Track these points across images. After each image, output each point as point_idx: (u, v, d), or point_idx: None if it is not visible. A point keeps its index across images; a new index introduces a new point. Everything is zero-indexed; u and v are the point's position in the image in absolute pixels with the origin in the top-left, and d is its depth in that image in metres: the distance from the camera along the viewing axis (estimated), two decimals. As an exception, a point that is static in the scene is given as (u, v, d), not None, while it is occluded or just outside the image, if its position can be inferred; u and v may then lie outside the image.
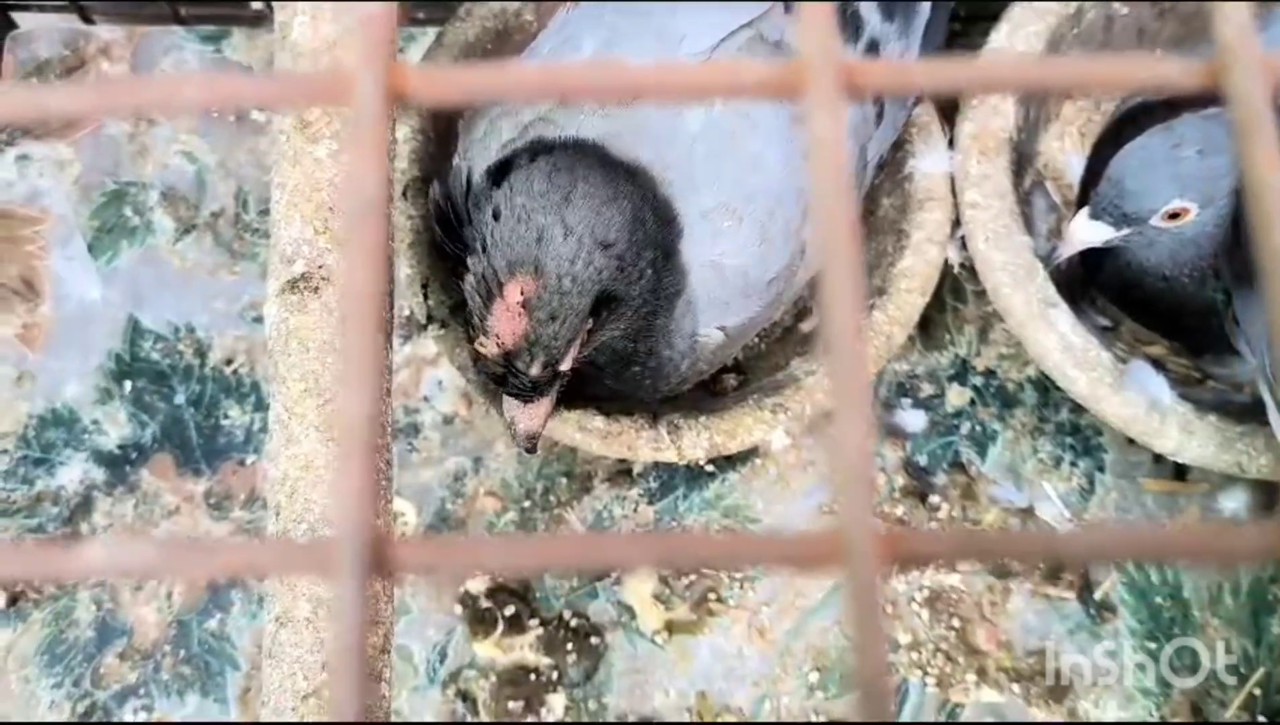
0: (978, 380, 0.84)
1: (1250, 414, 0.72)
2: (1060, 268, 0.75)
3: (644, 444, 0.72)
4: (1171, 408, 0.72)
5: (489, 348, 0.56)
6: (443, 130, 0.76)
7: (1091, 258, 0.74)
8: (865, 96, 0.22)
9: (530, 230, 0.54)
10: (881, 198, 0.78)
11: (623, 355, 0.60)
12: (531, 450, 0.62)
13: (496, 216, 0.56)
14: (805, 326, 0.80)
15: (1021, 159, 0.82)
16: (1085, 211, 0.70)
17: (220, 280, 0.85)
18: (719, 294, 0.60)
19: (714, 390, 0.77)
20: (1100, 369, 0.72)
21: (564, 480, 0.81)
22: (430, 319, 0.72)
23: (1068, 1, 0.78)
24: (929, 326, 0.84)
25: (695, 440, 0.72)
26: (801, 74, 0.21)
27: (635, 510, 0.81)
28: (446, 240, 0.61)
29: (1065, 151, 0.84)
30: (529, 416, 0.60)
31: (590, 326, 0.56)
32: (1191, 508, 0.82)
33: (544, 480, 0.81)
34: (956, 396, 0.84)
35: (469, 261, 0.58)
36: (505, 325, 0.55)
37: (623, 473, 0.82)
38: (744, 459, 0.82)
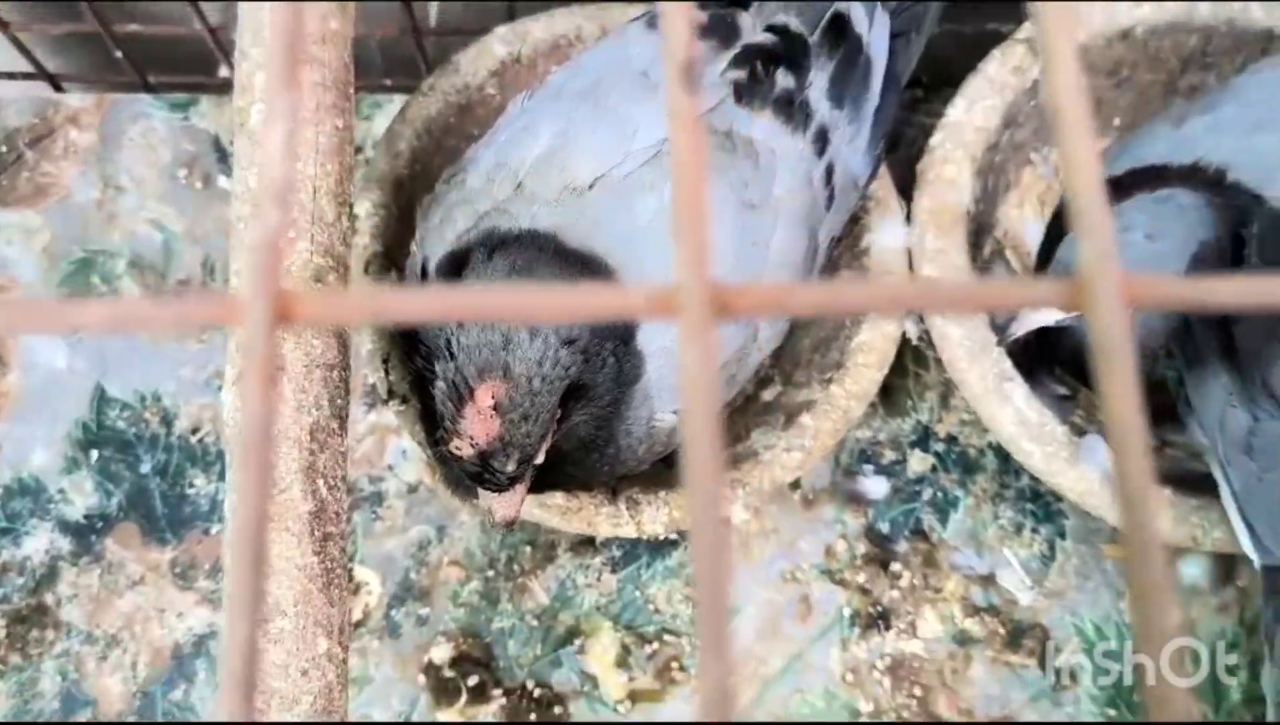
0: (939, 446, 0.84)
1: (1207, 484, 0.73)
2: (1015, 341, 0.76)
3: (603, 520, 0.72)
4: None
5: (464, 450, 0.57)
6: (405, 205, 0.77)
7: (1047, 331, 0.75)
8: (738, 320, 0.23)
9: (496, 335, 0.55)
10: (840, 270, 0.79)
11: (584, 442, 0.61)
12: (510, 532, 0.62)
13: (461, 322, 0.57)
14: (767, 395, 0.80)
15: (981, 228, 0.83)
16: (1037, 291, 0.70)
17: (187, 348, 0.86)
18: (674, 379, 0.61)
19: (673, 462, 0.77)
20: (1055, 443, 0.72)
21: (528, 549, 0.82)
22: (391, 394, 0.73)
23: (1024, 74, 0.79)
24: (891, 393, 0.85)
25: (654, 515, 0.72)
26: (673, 298, 0.21)
27: (599, 579, 0.82)
28: (399, 332, 0.61)
29: (1025, 220, 0.85)
30: (506, 504, 0.60)
31: (560, 416, 0.57)
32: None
33: (508, 549, 0.82)
34: (919, 463, 0.84)
35: (436, 367, 0.58)
36: (479, 428, 0.56)
37: (586, 542, 0.82)
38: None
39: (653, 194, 0.60)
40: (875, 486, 0.83)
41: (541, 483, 0.62)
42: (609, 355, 0.57)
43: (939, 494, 0.84)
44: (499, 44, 0.80)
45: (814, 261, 0.66)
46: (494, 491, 0.58)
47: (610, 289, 0.23)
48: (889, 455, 0.84)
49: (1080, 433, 0.74)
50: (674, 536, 0.82)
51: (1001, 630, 0.81)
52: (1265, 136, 0.71)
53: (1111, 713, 0.79)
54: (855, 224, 0.77)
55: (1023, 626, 0.81)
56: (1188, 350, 0.69)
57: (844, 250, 0.78)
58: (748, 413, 0.81)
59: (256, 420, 0.21)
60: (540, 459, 0.57)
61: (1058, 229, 0.79)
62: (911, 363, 0.85)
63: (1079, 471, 0.72)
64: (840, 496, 0.83)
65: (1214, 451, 0.69)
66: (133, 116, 0.91)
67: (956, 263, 0.75)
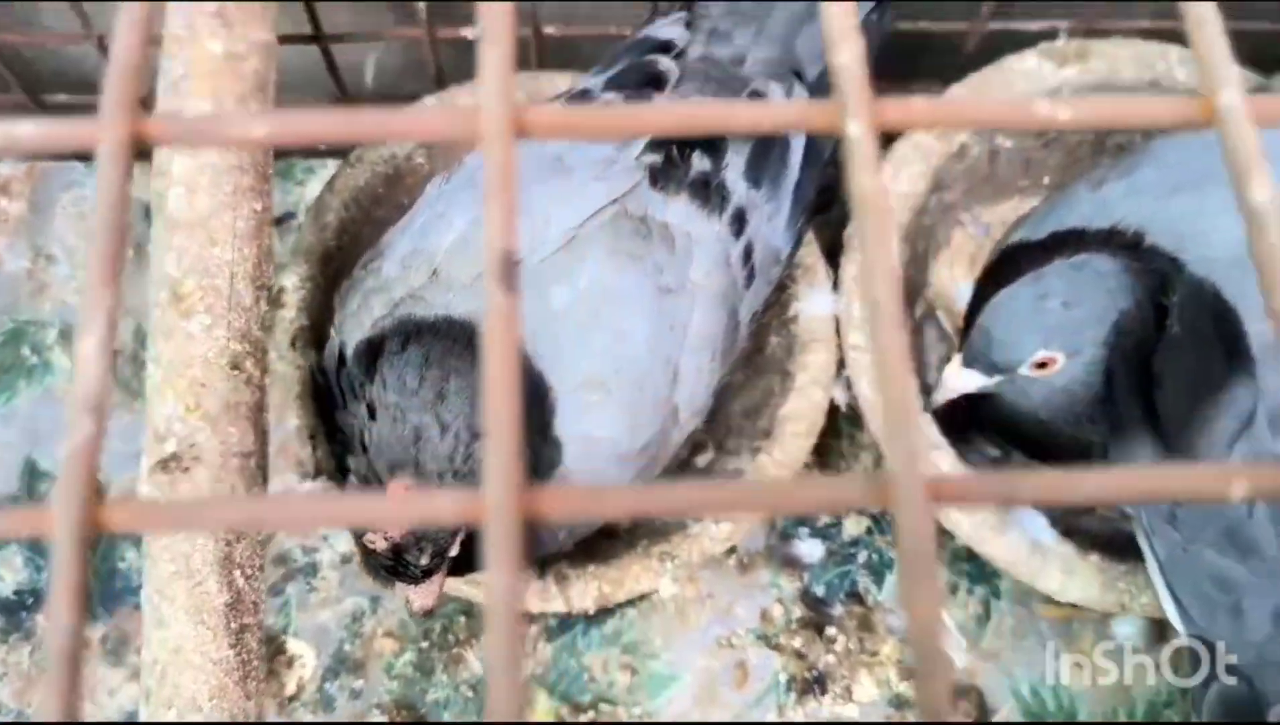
0: (874, 509, 0.84)
1: (1135, 545, 0.73)
2: (941, 407, 0.76)
3: (533, 596, 0.72)
4: (1053, 549, 0.73)
5: (378, 543, 0.57)
6: (333, 277, 0.77)
7: (973, 397, 0.75)
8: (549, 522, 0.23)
9: (407, 430, 0.54)
10: (769, 336, 0.79)
11: None
12: (428, 619, 0.62)
13: (372, 415, 0.57)
14: (700, 461, 0.80)
15: (912, 290, 0.83)
16: (958, 359, 0.71)
17: (118, 419, 0.85)
18: (592, 465, 0.61)
19: (605, 530, 0.77)
20: (983, 512, 0.73)
21: (462, 619, 0.81)
22: (319, 471, 0.72)
23: (949, 139, 0.80)
24: (825, 454, 0.85)
25: (583, 590, 0.72)
26: (480, 503, 0.21)
27: (534, 648, 0.81)
28: (319, 416, 0.61)
29: (955, 280, 0.85)
30: (423, 594, 0.60)
31: None
32: (1086, 633, 0.82)
33: (442, 619, 0.81)
34: (854, 525, 0.84)
35: (349, 461, 0.58)
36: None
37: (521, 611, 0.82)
38: (644, 595, 0.82)
39: (568, 280, 0.60)
40: (811, 550, 0.83)
41: (463, 567, 0.62)
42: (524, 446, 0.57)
43: (874, 556, 0.84)
44: (426, 114, 0.79)
45: (735, 338, 0.66)
46: (408, 583, 0.57)
47: (420, 498, 0.23)
48: (824, 518, 0.84)
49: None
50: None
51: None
52: (1182, 199, 0.71)
53: (1048, 774, 0.80)
54: (783, 292, 0.77)
55: (959, 689, 0.81)
56: (1111, 417, 0.69)
57: (772, 318, 0.78)
58: (682, 479, 0.81)
59: (64, 634, 0.21)
60: (455, 551, 0.56)
61: (985, 289, 0.79)
62: (845, 423, 0.85)
63: (1006, 540, 0.72)
64: (776, 560, 0.83)
65: (1139, 521, 0.69)
66: (64, 185, 0.91)
67: (883, 330, 0.75)
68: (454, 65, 0.83)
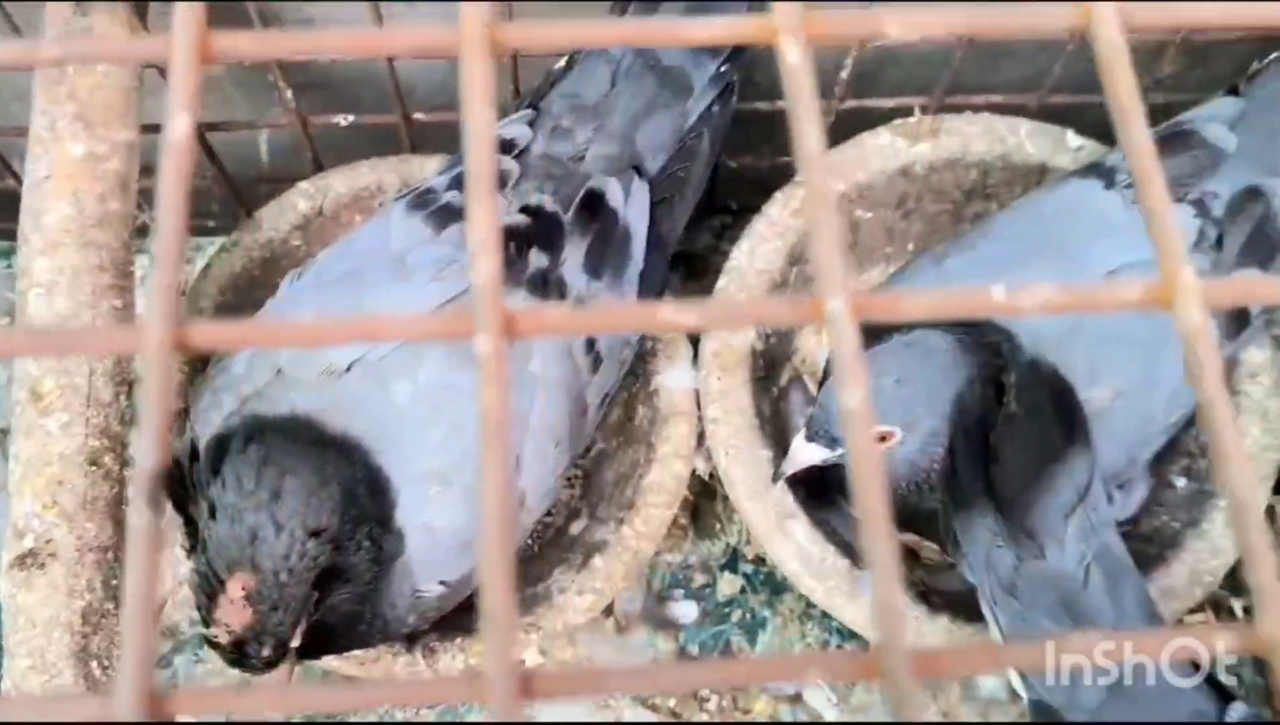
0: (748, 568, 0.87)
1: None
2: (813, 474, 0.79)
3: (401, 669, 0.74)
4: (903, 612, 0.75)
5: (220, 637, 0.59)
6: (205, 361, 0.79)
7: (831, 465, 0.78)
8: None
9: (243, 530, 0.57)
10: (638, 406, 0.81)
11: (349, 617, 0.63)
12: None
13: (213, 514, 0.59)
14: (574, 528, 0.83)
15: (776, 359, 0.86)
16: (802, 433, 0.74)
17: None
18: (435, 554, 0.63)
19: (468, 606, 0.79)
20: (835, 578, 0.75)
21: (346, 687, 0.84)
22: (193, 549, 0.75)
23: (774, 268, 0.82)
24: (700, 516, 0.88)
25: (450, 662, 0.74)
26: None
27: (418, 713, 0.84)
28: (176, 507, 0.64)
29: (820, 347, 0.88)
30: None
31: (317, 598, 0.59)
32: (953, 689, 0.85)
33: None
34: (728, 585, 0.87)
35: (192, 558, 0.61)
36: (232, 617, 0.58)
37: (404, 676, 0.84)
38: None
39: (407, 376, 0.62)
40: (685, 610, 0.86)
41: (314, 651, 0.64)
42: (364, 538, 0.60)
43: (748, 615, 0.86)
44: (301, 198, 0.82)
45: (583, 423, 0.69)
46: (251, 674, 0.60)
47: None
48: (699, 579, 0.87)
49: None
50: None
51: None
52: (1018, 273, 0.75)
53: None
54: (646, 363, 0.80)
55: (829, 745, 0.84)
56: (954, 491, 0.72)
57: (639, 390, 0.81)
58: (558, 545, 0.83)
59: None
60: (296, 642, 0.59)
61: (831, 363, 0.82)
62: (720, 486, 0.88)
63: (858, 605, 0.75)
64: (652, 622, 0.86)
65: (983, 591, 0.72)
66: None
67: (739, 403, 0.78)
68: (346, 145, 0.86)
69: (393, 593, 0.64)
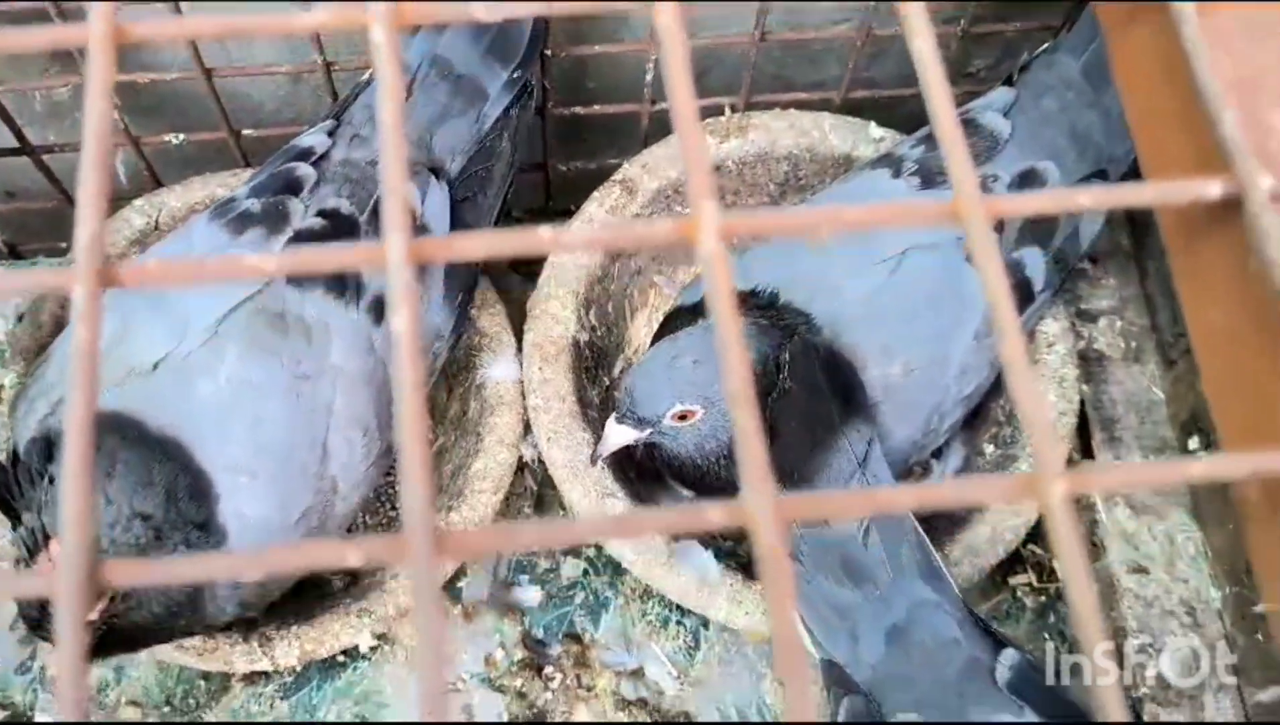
0: (590, 552, 0.91)
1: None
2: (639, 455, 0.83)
3: (239, 657, 0.78)
4: (719, 581, 0.80)
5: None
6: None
7: (650, 445, 0.82)
8: None
9: None
10: (470, 401, 0.85)
11: (171, 608, 0.66)
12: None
13: (51, 481, 0.63)
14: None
15: (605, 352, 0.90)
16: (613, 417, 0.78)
17: None
18: (248, 539, 0.67)
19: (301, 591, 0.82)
20: (654, 552, 0.79)
21: (202, 683, 0.87)
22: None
23: (621, 212, 0.87)
24: (543, 505, 0.92)
25: (287, 650, 0.78)
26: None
27: (271, 706, 0.87)
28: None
29: (652, 336, 0.92)
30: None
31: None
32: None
33: (183, 685, 0.86)
34: (571, 569, 0.91)
35: (24, 516, 0.64)
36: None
37: (259, 672, 0.87)
38: (375, 648, 0.88)
39: (209, 374, 0.66)
40: (530, 595, 0.90)
41: (134, 644, 0.68)
42: (182, 540, 0.63)
43: (591, 596, 0.90)
44: (136, 215, 0.86)
45: (391, 413, 0.73)
46: (48, 641, 0.63)
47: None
48: (543, 564, 0.91)
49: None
50: (342, 658, 0.88)
51: (649, 720, 0.87)
52: (814, 260, 0.79)
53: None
54: (473, 358, 0.84)
55: (670, 716, 0.88)
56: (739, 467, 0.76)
57: (467, 387, 0.85)
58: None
59: None
60: (94, 616, 0.62)
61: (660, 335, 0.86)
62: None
63: (675, 575, 0.79)
64: (498, 607, 0.89)
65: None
66: None
67: (560, 390, 0.82)
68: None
69: (215, 585, 0.67)
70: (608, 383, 0.90)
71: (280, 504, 0.67)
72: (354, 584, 0.83)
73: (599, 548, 0.91)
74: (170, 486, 0.63)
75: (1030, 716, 0.68)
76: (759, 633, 0.90)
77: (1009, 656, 0.71)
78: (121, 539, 0.61)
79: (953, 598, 0.73)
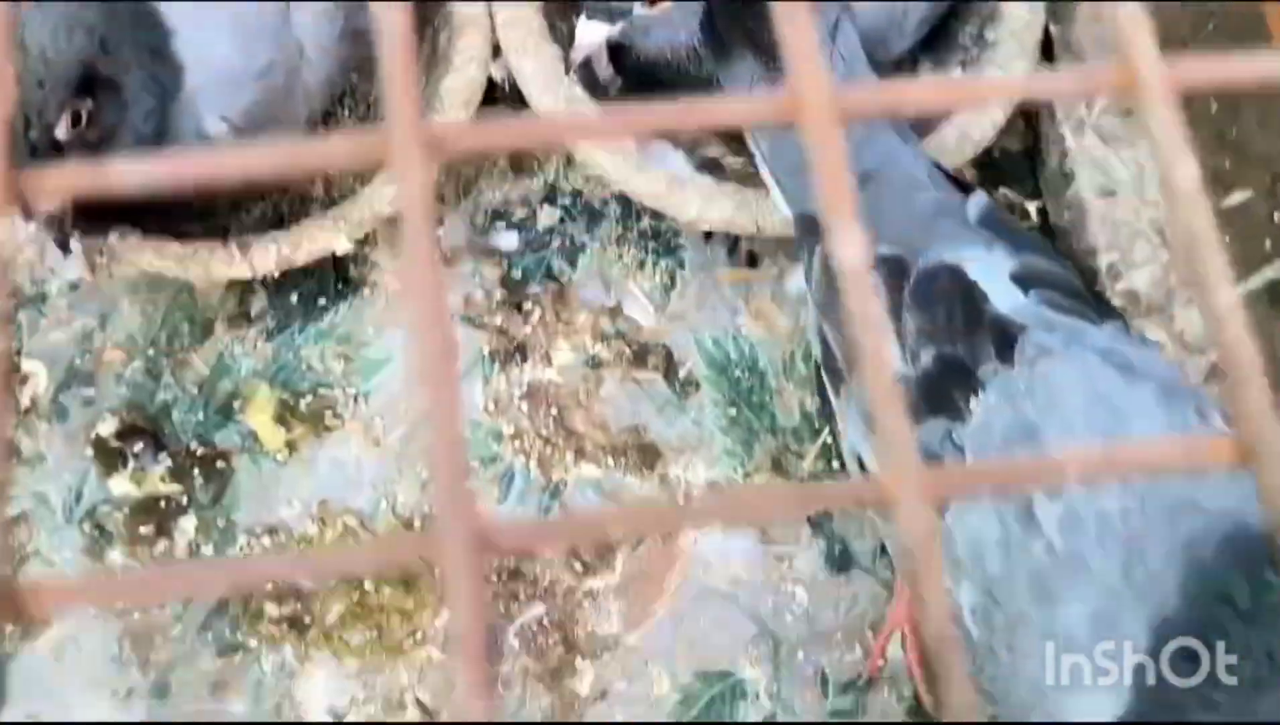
0: (566, 200, 0.92)
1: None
2: (603, 74, 0.84)
3: (218, 262, 0.79)
4: (691, 180, 0.81)
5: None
6: None
7: (620, 64, 0.83)
8: None
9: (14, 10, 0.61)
10: (441, 32, 0.86)
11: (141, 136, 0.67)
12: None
13: None
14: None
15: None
16: (582, 16, 0.78)
17: None
18: (209, 83, 0.67)
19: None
20: (623, 154, 0.80)
21: (186, 326, 0.88)
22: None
23: None
24: (519, 156, 0.93)
25: (264, 254, 0.79)
26: None
27: (255, 347, 0.88)
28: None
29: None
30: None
31: (90, 107, 0.63)
32: (764, 291, 0.90)
33: (167, 328, 0.88)
34: (547, 217, 0.92)
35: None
36: None
37: (241, 315, 0.88)
38: (354, 290, 0.89)
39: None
40: (508, 240, 0.91)
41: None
42: (136, 55, 0.64)
43: (568, 242, 0.91)
44: None
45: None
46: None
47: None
48: (520, 212, 0.92)
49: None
50: (323, 302, 0.89)
51: (629, 351, 0.88)
52: None
53: (732, 412, 0.87)
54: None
55: (648, 347, 0.89)
56: (713, 44, 0.77)
57: (436, 23, 0.85)
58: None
59: None
60: (62, 134, 0.62)
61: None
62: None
63: (646, 175, 0.80)
64: (476, 252, 0.90)
65: (750, 136, 0.77)
66: None
67: (528, 12, 0.82)
68: None
69: (181, 132, 0.68)
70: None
71: (242, 47, 0.68)
72: (331, 203, 0.83)
73: (575, 194, 0.92)
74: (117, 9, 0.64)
75: (1000, 250, 0.69)
76: (737, 273, 0.91)
77: (977, 197, 0.72)
78: (65, 46, 0.61)
79: (921, 150, 0.74)
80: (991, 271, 0.67)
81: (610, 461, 0.86)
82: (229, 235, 0.78)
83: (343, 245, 0.80)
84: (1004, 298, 0.67)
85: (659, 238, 0.91)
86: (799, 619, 0.84)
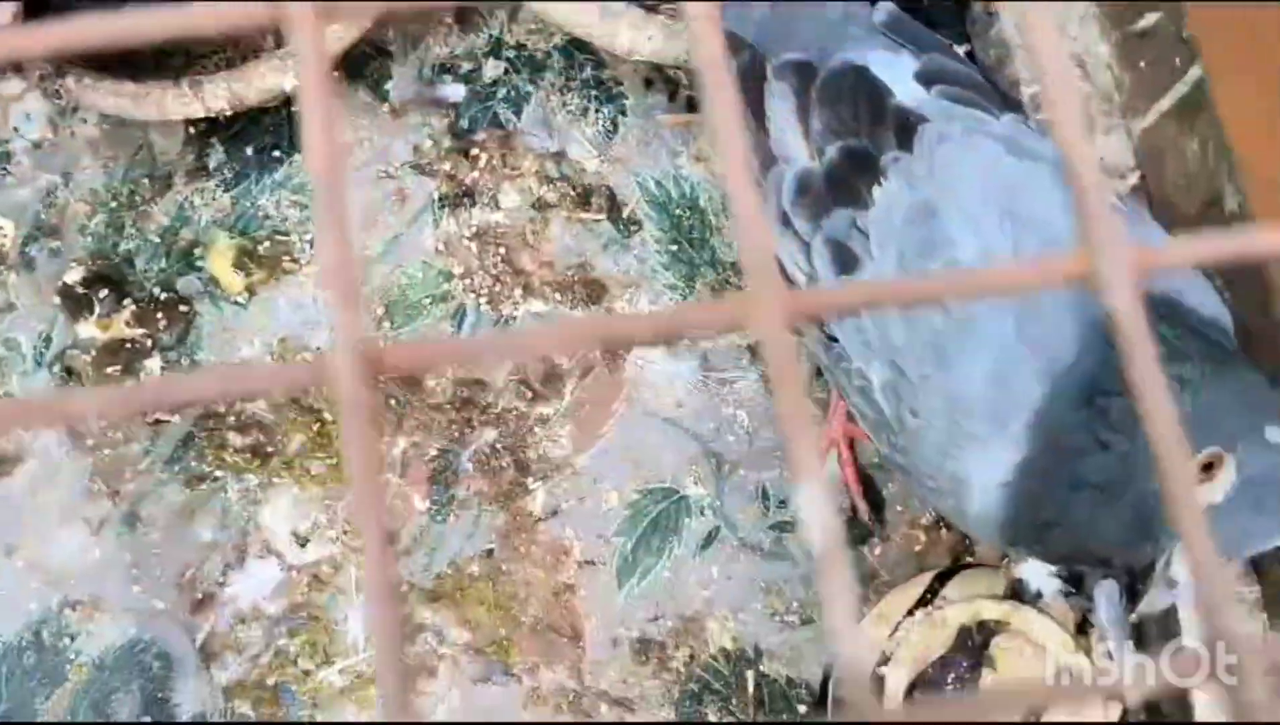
0: (510, 54, 0.95)
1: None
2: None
3: (172, 101, 0.82)
4: (623, 11, 0.84)
5: None
6: None
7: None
8: None
9: None
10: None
11: None
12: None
13: None
14: None
15: None
16: None
17: None
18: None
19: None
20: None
21: (146, 181, 0.91)
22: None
23: None
24: (464, 13, 0.96)
25: (215, 91, 0.82)
26: None
27: (214, 199, 0.91)
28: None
29: None
30: None
31: None
32: (704, 134, 0.94)
33: (128, 184, 0.91)
34: (493, 69, 0.95)
35: None
36: None
37: (199, 169, 0.92)
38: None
39: None
40: (454, 91, 0.94)
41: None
42: None
43: (512, 92, 0.94)
44: None
45: None
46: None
47: None
48: (466, 66, 0.95)
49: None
50: (278, 154, 0.92)
51: (573, 193, 0.92)
52: None
53: (674, 248, 0.91)
54: None
55: (592, 189, 0.92)
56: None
57: None
58: None
59: None
60: None
61: None
62: (479, -15, 0.96)
63: (577, 7, 0.83)
64: (424, 104, 0.94)
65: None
66: None
67: None
68: None
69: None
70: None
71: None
72: (280, 42, 0.87)
73: (519, 46, 0.95)
74: None
75: (905, 52, 0.72)
76: (678, 118, 0.94)
77: (885, 4, 0.75)
78: None
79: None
80: (896, 71, 0.71)
81: (557, 296, 0.90)
82: (181, 75, 0.82)
83: (290, 82, 0.83)
84: (907, 93, 0.70)
85: (601, 86, 0.94)
86: (740, 439, 0.88)
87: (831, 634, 0.17)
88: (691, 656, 0.85)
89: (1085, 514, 0.62)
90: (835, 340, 0.69)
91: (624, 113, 0.94)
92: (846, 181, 0.68)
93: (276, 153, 0.92)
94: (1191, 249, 0.23)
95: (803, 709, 0.84)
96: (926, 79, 0.71)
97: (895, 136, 0.68)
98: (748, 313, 0.19)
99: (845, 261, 0.68)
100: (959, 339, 0.64)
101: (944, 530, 0.85)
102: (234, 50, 0.90)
